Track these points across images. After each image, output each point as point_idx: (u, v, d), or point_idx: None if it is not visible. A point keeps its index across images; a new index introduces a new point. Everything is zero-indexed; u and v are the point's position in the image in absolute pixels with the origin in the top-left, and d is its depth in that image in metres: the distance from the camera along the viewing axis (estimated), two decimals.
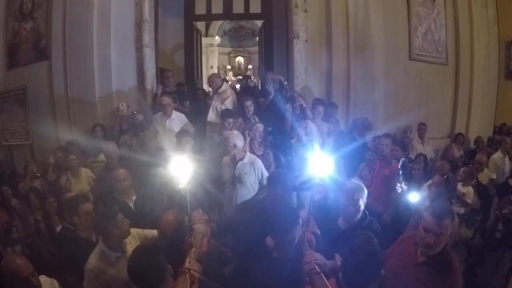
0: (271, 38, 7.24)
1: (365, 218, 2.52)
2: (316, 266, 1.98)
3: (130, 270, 1.86)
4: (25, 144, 5.80)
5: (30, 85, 5.73)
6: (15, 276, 2.09)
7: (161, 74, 5.81)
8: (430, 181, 3.76)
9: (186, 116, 5.10)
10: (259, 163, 3.74)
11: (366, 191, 2.52)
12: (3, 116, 5.86)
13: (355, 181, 2.73)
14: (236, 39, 16.39)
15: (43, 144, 5.52)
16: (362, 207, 2.48)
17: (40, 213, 4.02)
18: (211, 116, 5.03)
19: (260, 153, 4.33)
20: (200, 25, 8.89)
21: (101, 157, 4.72)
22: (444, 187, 3.16)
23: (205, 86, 8.92)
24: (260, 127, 4.32)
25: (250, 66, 15.87)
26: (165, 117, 4.82)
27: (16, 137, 5.79)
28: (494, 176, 5.22)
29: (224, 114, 4.62)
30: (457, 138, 6.48)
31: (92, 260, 2.37)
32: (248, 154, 3.77)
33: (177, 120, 4.89)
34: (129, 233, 2.56)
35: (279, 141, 4.56)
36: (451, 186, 3.21)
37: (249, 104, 4.82)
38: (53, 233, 3.84)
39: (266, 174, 3.72)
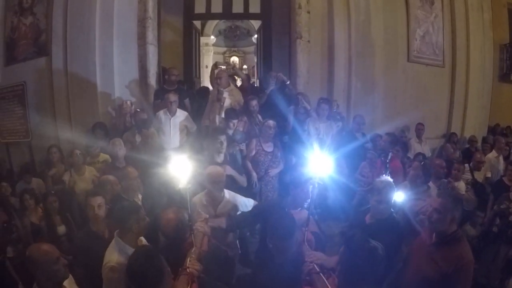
0: (270, 38, 7.29)
1: (391, 214, 2.59)
2: (315, 266, 2.01)
3: (129, 270, 1.86)
4: (24, 142, 5.67)
5: (29, 81, 5.60)
6: (47, 258, 2.07)
7: (164, 71, 5.77)
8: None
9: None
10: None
11: (395, 189, 2.61)
12: (1, 113, 5.69)
13: (386, 178, 2.78)
14: (231, 39, 16.39)
15: (42, 142, 5.38)
16: (391, 204, 2.55)
17: (35, 215, 3.94)
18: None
19: (269, 149, 4.37)
20: (196, 24, 8.87)
21: (102, 157, 4.65)
22: (420, 171, 3.46)
23: (203, 84, 8.93)
24: (271, 122, 4.33)
25: (245, 66, 15.93)
26: (169, 115, 4.79)
27: (14, 135, 5.65)
28: (489, 175, 5.36)
29: (229, 115, 4.63)
30: (451, 137, 6.65)
31: (114, 257, 2.31)
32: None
33: (181, 117, 4.87)
34: (146, 230, 2.53)
35: (293, 142, 4.59)
36: (426, 171, 3.52)
37: (255, 104, 4.85)
38: (54, 233, 3.79)
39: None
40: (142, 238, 2.56)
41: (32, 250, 2.18)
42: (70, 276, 2.38)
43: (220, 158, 3.82)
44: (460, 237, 2.31)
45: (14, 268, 3.48)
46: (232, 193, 3.24)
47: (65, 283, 2.23)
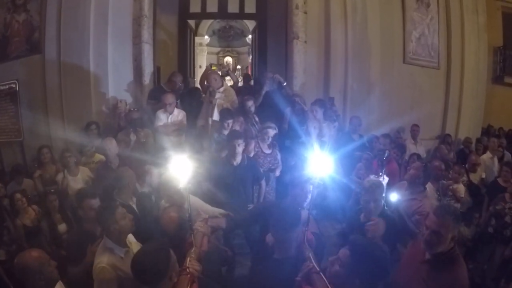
0: (265, 38, 7.28)
1: (383, 213, 2.59)
2: (315, 266, 2.00)
3: (133, 265, 1.85)
4: (16, 141, 5.56)
5: (22, 79, 5.51)
6: (40, 262, 2.08)
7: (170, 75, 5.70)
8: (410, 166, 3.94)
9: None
10: None
11: (384, 188, 2.58)
12: None
13: (374, 178, 2.77)
14: (225, 39, 16.32)
15: (35, 141, 5.29)
16: (382, 202, 2.54)
17: (27, 216, 3.83)
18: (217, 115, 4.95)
19: (268, 151, 4.36)
20: (190, 24, 8.82)
21: (97, 157, 4.58)
22: (421, 172, 3.40)
23: (197, 85, 8.85)
24: (270, 132, 4.32)
25: (238, 66, 15.93)
26: (168, 114, 4.77)
27: (6, 134, 5.53)
28: (484, 176, 5.42)
29: (224, 115, 4.59)
30: (445, 139, 6.70)
31: (104, 258, 2.30)
32: None
33: (178, 116, 4.85)
34: (132, 228, 2.51)
35: (294, 144, 4.58)
36: (427, 173, 3.50)
37: (251, 104, 4.83)
38: (55, 232, 3.71)
39: None
40: (131, 236, 2.54)
41: (22, 258, 2.15)
42: (60, 281, 2.35)
43: (237, 161, 3.79)
44: (457, 256, 2.13)
45: (6, 272, 3.40)
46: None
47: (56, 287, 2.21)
